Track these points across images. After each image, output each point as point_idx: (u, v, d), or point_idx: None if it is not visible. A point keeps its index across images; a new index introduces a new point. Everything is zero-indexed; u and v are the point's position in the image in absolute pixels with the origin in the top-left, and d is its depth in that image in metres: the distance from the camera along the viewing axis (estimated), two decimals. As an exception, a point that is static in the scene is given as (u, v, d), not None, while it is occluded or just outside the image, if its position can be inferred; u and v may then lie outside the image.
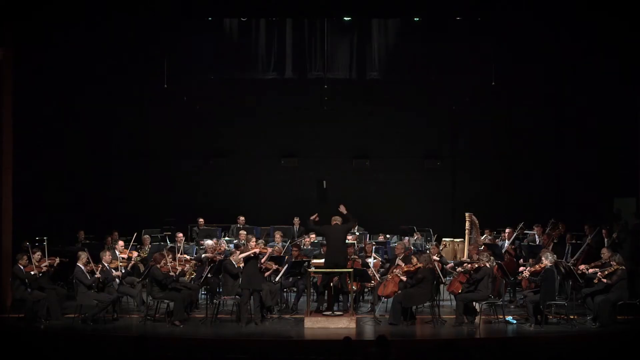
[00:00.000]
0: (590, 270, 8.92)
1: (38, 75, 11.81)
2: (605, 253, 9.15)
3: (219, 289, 9.50)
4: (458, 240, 11.96)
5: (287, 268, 9.53)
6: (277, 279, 9.54)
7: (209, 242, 10.33)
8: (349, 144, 14.67)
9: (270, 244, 10.92)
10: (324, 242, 10.53)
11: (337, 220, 9.23)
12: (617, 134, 12.23)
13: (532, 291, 9.00)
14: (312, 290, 9.66)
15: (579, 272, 8.95)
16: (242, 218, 12.74)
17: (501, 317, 9.10)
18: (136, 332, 8.41)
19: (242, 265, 9.11)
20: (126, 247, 10.41)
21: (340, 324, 8.75)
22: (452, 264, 9.80)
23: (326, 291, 9.28)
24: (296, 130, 14.52)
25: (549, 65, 13.17)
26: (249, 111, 14.38)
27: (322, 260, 9.43)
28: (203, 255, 9.75)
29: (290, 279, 9.84)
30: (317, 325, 8.79)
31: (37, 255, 9.22)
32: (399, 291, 9.14)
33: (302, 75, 13.60)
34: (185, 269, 9.53)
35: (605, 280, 8.74)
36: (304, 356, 7.52)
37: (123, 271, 9.56)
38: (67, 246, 10.99)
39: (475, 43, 13.08)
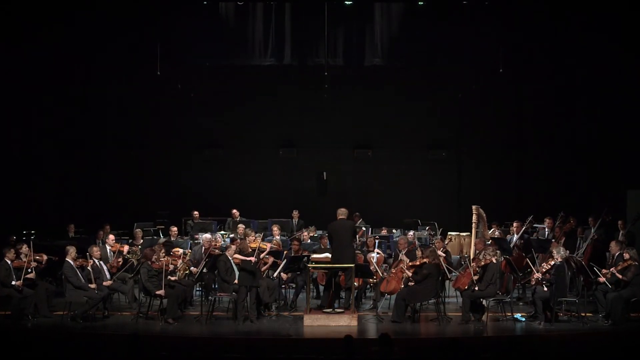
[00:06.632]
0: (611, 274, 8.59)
1: (25, 62, 11.48)
2: (613, 246, 8.95)
3: (215, 286, 9.27)
4: (464, 234, 11.70)
5: (285, 263, 9.18)
6: (275, 274, 9.20)
7: (207, 236, 10.01)
8: (350, 134, 14.40)
9: (267, 238, 10.59)
10: (324, 234, 10.22)
11: (342, 214, 8.86)
12: (631, 124, 11.89)
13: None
14: (311, 287, 9.34)
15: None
16: (235, 211, 12.40)
17: (509, 314, 8.87)
18: (128, 330, 8.16)
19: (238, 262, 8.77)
20: (117, 241, 10.14)
21: (341, 322, 8.49)
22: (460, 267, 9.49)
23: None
24: (295, 119, 14.25)
25: (559, 51, 12.84)
26: (245, 99, 14.12)
27: (322, 255, 9.10)
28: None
29: (289, 275, 9.50)
30: (317, 323, 8.54)
31: (25, 249, 8.91)
32: (403, 287, 8.81)
33: (301, 61, 13.46)
34: (178, 264, 9.20)
35: (620, 277, 8.49)
36: (303, 355, 7.30)
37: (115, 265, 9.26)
38: (57, 240, 10.72)
39: (482, 28, 12.82)
